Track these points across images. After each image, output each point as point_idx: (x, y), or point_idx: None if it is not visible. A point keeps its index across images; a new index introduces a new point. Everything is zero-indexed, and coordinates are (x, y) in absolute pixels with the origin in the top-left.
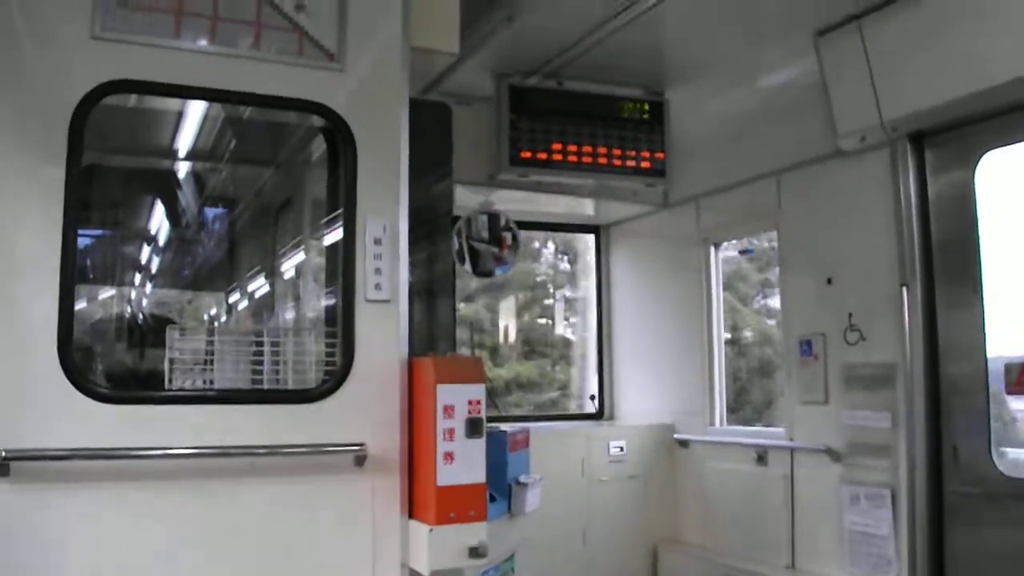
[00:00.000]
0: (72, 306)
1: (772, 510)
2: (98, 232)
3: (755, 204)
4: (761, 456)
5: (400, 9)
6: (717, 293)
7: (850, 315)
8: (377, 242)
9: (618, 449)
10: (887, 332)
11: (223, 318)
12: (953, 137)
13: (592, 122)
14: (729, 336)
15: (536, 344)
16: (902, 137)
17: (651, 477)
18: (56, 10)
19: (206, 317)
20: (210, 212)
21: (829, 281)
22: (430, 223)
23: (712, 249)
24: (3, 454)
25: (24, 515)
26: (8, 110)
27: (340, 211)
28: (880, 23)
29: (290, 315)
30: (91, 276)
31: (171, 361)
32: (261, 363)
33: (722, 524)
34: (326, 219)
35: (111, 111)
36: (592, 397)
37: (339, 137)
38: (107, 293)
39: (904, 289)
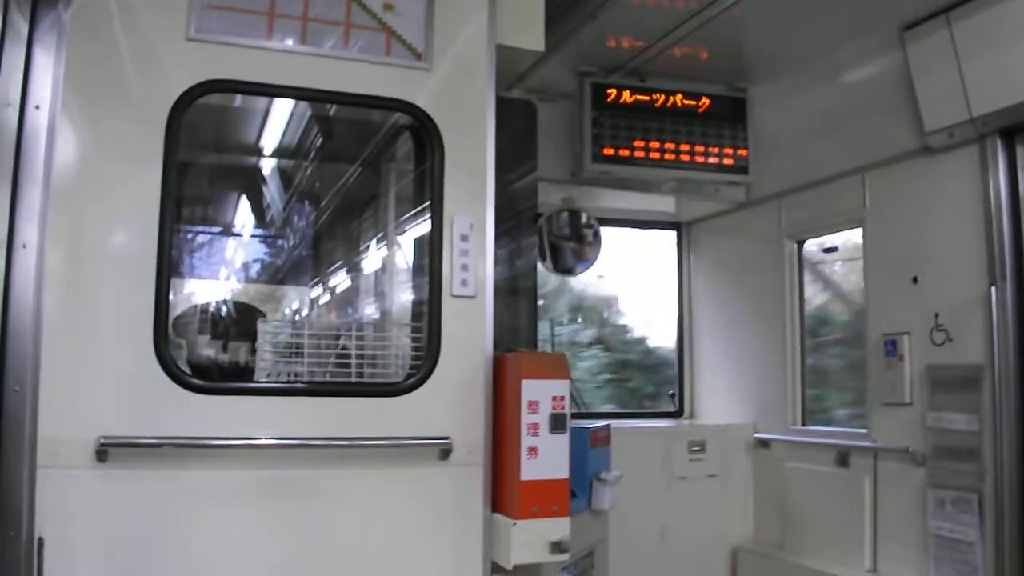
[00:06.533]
0: (168, 301)
1: (853, 513)
2: (189, 228)
3: (839, 201)
4: (843, 457)
5: (486, 8)
6: (799, 291)
7: (936, 315)
8: (464, 239)
9: (697, 447)
10: (975, 333)
11: (312, 313)
12: None
13: (674, 119)
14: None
15: None
16: (992, 133)
17: (730, 476)
18: (152, 12)
19: (294, 312)
20: (297, 208)
21: (915, 280)
22: (513, 220)
23: (795, 247)
24: (101, 441)
25: (119, 499)
26: (107, 111)
27: (427, 208)
28: (969, 15)
29: (378, 310)
30: (183, 271)
31: (261, 354)
32: (348, 356)
33: (802, 526)
34: (413, 215)
35: (201, 109)
36: (672, 395)
37: (426, 135)
38: (199, 287)
39: (993, 289)
